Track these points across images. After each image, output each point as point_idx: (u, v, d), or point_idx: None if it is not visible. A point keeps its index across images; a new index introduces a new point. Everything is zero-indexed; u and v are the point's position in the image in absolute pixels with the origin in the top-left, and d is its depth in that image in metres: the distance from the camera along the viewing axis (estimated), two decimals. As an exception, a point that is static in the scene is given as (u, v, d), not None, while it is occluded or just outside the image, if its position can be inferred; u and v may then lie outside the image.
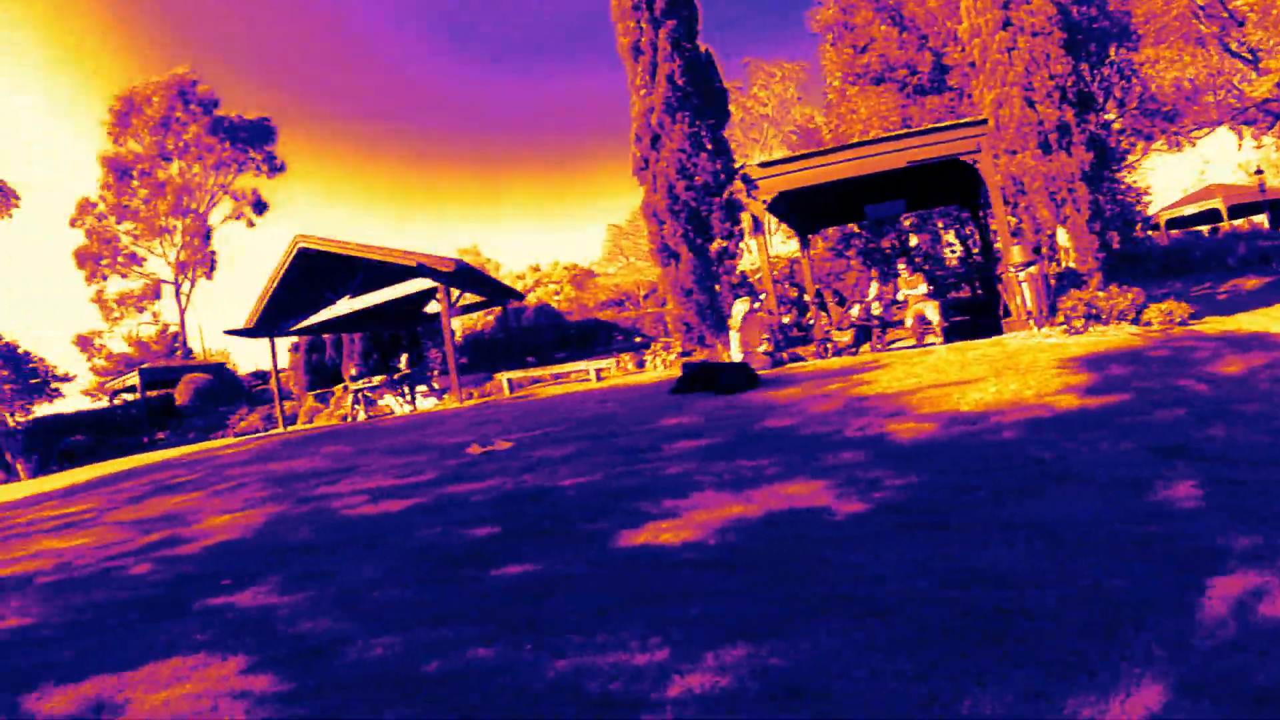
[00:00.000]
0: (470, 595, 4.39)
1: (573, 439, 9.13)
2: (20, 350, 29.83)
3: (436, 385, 23.22)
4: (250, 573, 5.67)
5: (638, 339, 27.71)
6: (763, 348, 14.46)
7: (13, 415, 29.65)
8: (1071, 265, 17.56)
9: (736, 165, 18.64)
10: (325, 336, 31.78)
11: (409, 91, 78.66)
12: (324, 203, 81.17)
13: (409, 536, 5.91)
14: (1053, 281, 15.07)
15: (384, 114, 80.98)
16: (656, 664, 3.19)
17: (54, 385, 30.88)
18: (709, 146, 18.12)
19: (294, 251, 23.03)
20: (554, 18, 71.81)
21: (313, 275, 23.80)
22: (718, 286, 17.82)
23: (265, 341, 26.02)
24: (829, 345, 15.45)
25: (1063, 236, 16.35)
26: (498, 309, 30.42)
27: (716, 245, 18.04)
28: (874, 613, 3.37)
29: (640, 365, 20.07)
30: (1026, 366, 9.19)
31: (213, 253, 53.54)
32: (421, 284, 21.61)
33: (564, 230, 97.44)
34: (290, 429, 23.42)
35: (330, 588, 4.98)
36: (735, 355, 14.48)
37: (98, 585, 6.34)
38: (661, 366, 18.69)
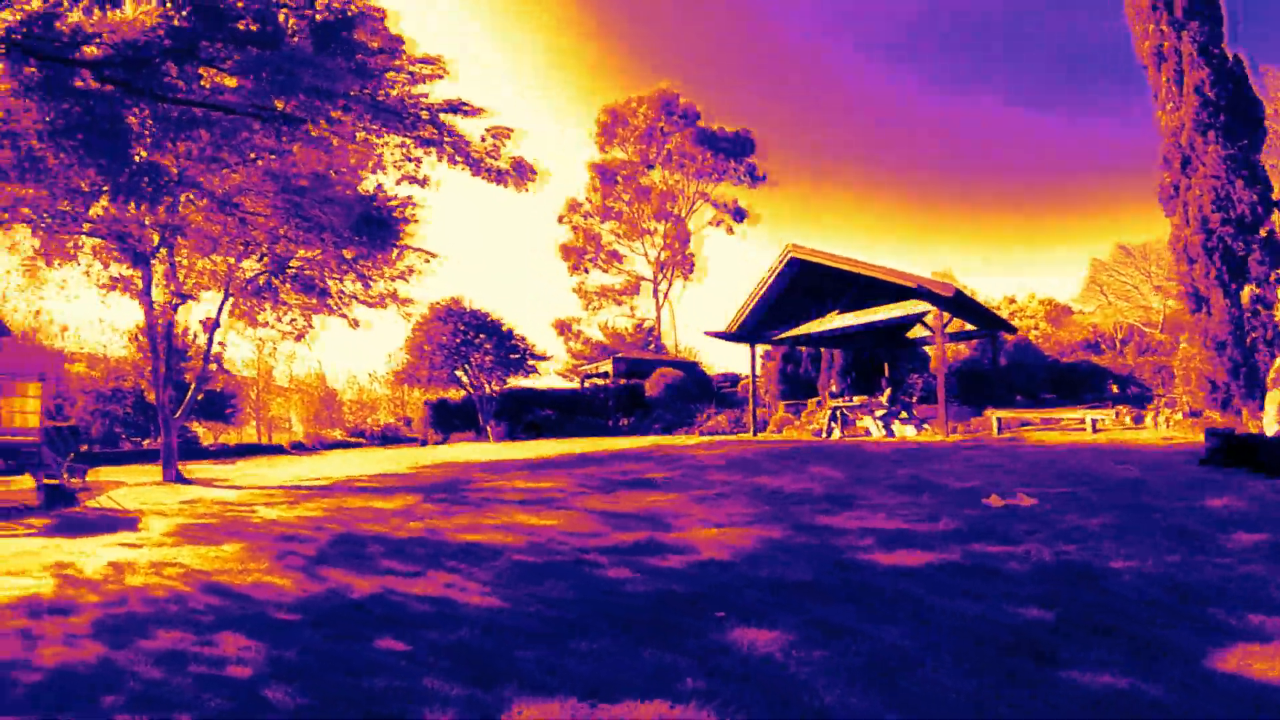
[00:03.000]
0: (1038, 704, 3.68)
1: (1104, 505, 8.09)
2: (505, 327, 33.34)
3: (916, 413, 22.26)
4: (748, 608, 5.26)
5: (1132, 389, 24.82)
6: (1298, 423, 11.99)
7: (489, 384, 33.19)
8: None
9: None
10: (802, 349, 31.82)
11: (874, 118, 78.02)
12: (790, 213, 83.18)
13: (942, 604, 5.23)
14: None
15: (850, 137, 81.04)
16: None
17: (531, 362, 33.95)
18: (1244, 172, 15.45)
19: (785, 260, 23.15)
20: (1030, 44, 66.81)
21: (797, 286, 23.86)
22: (1248, 341, 15.13)
23: (733, 345, 26.35)
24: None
25: None
26: (973, 340, 28.97)
27: (1249, 291, 15.32)
28: None
29: (1137, 420, 17.79)
30: None
31: (691, 256, 56.78)
32: (912, 306, 20.76)
33: (1031, 260, 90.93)
34: (760, 437, 23.61)
35: (854, 653, 4.38)
36: (1269, 426, 12.14)
37: (570, 578, 6.33)
38: (1164, 425, 16.33)
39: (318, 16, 10.32)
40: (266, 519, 10.66)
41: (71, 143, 9.58)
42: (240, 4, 9.49)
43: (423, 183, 15.56)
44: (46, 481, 13.72)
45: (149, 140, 10.69)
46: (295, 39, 10.16)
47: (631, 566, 6.60)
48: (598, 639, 4.76)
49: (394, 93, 12.23)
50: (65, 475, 14.16)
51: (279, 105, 10.98)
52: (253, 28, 9.66)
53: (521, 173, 13.46)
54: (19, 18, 8.97)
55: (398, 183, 15.61)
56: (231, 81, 10.40)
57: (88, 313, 72.76)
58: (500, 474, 14.47)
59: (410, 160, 14.69)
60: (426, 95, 12.57)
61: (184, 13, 9.22)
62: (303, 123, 11.45)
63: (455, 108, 12.46)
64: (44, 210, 11.24)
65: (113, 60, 9.35)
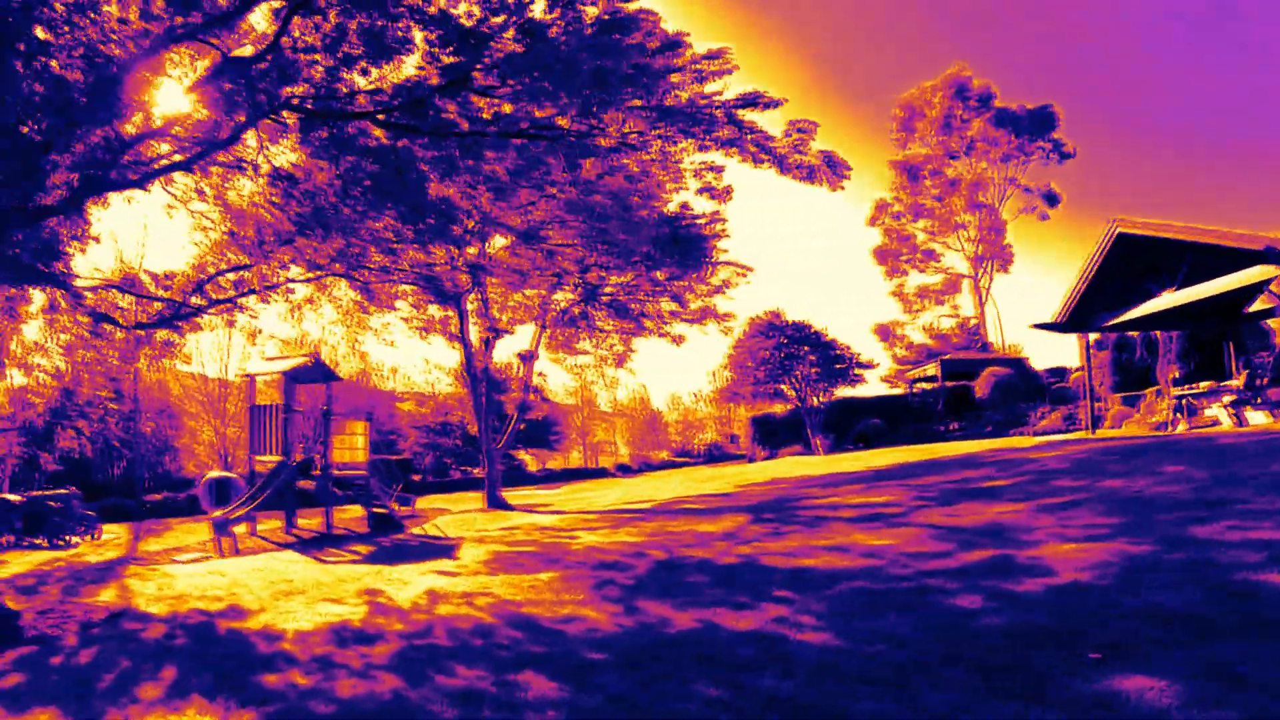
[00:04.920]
0: None
1: None
2: (827, 337, 32.33)
3: (1271, 397, 19.04)
4: (1123, 646, 4.17)
5: None
6: None
7: (814, 396, 32.33)
8: None
9: None
10: (1132, 335, 28.58)
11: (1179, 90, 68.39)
12: (1093, 192, 74.92)
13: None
14: None
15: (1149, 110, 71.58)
16: None
17: (856, 371, 32.72)
18: None
19: (1110, 239, 20.65)
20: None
21: (1124, 266, 21.24)
22: None
23: (1058, 336, 24.18)
24: None
25: None
26: (1323, 309, 24.32)
27: None
28: None
29: None
30: None
31: (1007, 246, 52.73)
32: (1257, 274, 17.69)
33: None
34: (1098, 434, 21.36)
35: (1270, 715, 3.25)
36: None
37: (913, 609, 5.48)
38: None
39: (587, 31, 10.06)
40: (585, 545, 10.55)
41: (359, 190, 10.16)
42: (498, 21, 9.42)
43: (724, 194, 15.04)
44: (374, 510, 14.89)
45: (433, 181, 11.02)
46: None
47: (982, 593, 5.60)
48: (950, 687, 3.91)
49: (683, 96, 11.78)
50: (395, 504, 15.19)
51: (563, 124, 10.87)
52: (517, 49, 9.59)
53: (834, 168, 12.53)
54: (304, 89, 9.57)
55: (697, 193, 15.24)
56: (508, 108, 10.44)
57: (415, 353, 79.88)
58: (831, 488, 13.61)
59: (712, 170, 14.20)
60: (719, 93, 12.01)
61: (449, 49, 9.34)
62: (590, 135, 11.26)
63: (752, 100, 11.77)
64: (350, 261, 11.89)
65: (390, 107, 9.75)
